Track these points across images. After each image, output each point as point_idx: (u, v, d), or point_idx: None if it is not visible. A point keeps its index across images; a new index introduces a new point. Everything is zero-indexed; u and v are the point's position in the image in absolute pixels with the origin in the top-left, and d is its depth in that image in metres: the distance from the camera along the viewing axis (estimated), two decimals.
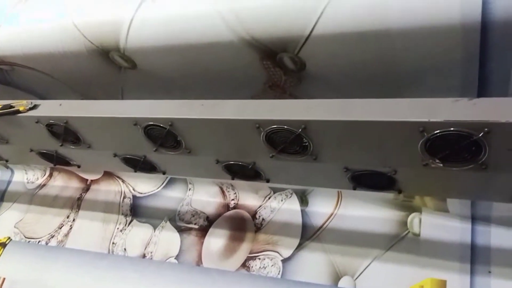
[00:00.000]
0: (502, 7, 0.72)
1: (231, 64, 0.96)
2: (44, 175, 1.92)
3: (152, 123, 0.98)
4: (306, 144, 0.90)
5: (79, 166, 1.33)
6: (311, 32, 0.84)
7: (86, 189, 1.81)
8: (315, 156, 0.92)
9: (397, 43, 0.81)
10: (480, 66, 0.83)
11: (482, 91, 0.86)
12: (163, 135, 1.00)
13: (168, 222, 1.60)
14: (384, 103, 0.82)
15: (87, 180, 1.82)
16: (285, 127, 0.87)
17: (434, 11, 0.75)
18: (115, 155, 1.17)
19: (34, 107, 1.11)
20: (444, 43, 0.80)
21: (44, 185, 1.91)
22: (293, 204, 1.44)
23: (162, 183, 1.66)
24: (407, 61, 0.85)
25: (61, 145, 1.18)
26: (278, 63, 0.94)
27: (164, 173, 1.20)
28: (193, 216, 1.59)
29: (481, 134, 0.75)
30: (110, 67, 1.09)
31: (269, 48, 0.90)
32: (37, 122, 1.11)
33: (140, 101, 1.01)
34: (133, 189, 1.72)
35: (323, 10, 0.81)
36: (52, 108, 1.09)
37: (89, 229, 1.73)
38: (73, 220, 1.79)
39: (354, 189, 1.02)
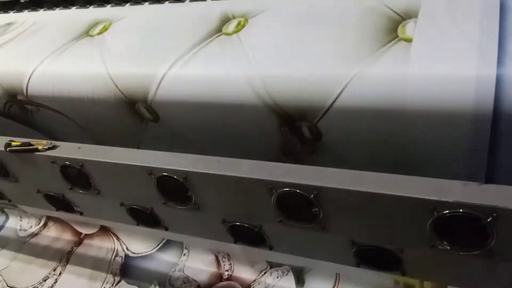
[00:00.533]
0: None
1: (250, 126, 1.01)
2: (39, 223, 1.89)
3: (166, 174, 1.00)
4: (316, 211, 0.91)
5: (81, 213, 1.33)
6: (332, 104, 0.89)
7: (79, 243, 1.77)
8: (323, 225, 0.93)
9: (411, 124, 0.86)
10: (489, 155, 0.87)
11: (490, 179, 0.89)
12: (175, 188, 1.01)
13: (157, 287, 1.54)
14: (397, 178, 0.85)
15: (81, 233, 1.79)
16: (298, 191, 0.89)
17: (449, 97, 0.80)
18: (122, 204, 1.17)
19: (53, 147, 1.14)
20: (455, 129, 0.84)
21: (36, 234, 1.87)
22: (289, 283, 1.40)
23: (157, 245, 1.63)
24: (420, 143, 0.89)
25: (71, 188, 1.20)
26: (296, 130, 0.98)
27: (166, 229, 1.19)
28: (184, 283, 1.54)
29: (490, 219, 0.77)
30: (133, 117, 1.13)
31: (289, 115, 0.95)
32: (52, 162, 1.14)
33: (157, 152, 1.04)
34: (127, 248, 1.68)
35: (346, 84, 0.86)
36: (71, 150, 1.12)
37: (74, 285, 1.67)
38: (60, 273, 1.73)
39: (358, 266, 1.01)
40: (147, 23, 1.22)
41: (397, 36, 0.88)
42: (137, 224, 1.23)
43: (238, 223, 1.05)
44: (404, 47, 0.86)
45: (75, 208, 1.31)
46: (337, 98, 0.89)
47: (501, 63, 0.77)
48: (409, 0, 0.96)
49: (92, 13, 1.36)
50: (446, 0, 0.92)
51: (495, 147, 0.85)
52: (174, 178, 0.99)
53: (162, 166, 0.99)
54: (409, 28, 0.89)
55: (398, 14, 0.94)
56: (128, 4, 1.34)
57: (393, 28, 0.90)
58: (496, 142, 0.84)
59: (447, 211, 0.80)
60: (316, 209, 0.91)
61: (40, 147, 1.14)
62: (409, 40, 0.86)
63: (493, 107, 0.78)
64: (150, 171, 1.01)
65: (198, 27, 1.10)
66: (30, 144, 1.16)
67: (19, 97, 1.27)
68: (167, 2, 1.29)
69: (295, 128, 0.99)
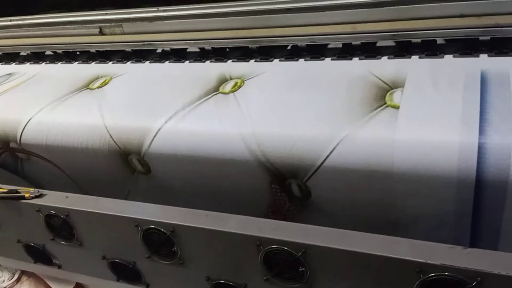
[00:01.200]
0: (494, 168, 0.81)
1: (241, 182, 1.02)
2: (12, 278, 1.81)
3: (153, 226, 0.99)
4: (303, 270, 0.91)
5: (60, 267, 1.28)
6: (321, 163, 0.92)
7: None
8: (310, 285, 0.92)
9: (398, 187, 0.89)
10: (473, 220, 0.89)
11: (473, 243, 0.91)
12: (161, 241, 1.00)
13: None
14: (384, 239, 0.86)
15: None
16: (285, 248, 0.89)
17: (434, 162, 0.83)
18: (103, 258, 1.14)
19: (40, 195, 1.13)
20: (440, 193, 0.87)
21: None
22: None
23: None
24: (406, 206, 0.91)
25: (52, 239, 1.17)
26: (286, 188, 1.00)
27: (147, 286, 1.16)
28: None
29: (474, 283, 0.78)
30: (125, 169, 1.14)
31: (280, 173, 0.97)
32: (37, 211, 1.12)
33: (145, 204, 1.04)
34: None
35: (336, 145, 0.90)
36: (58, 199, 1.11)
37: None
38: None
39: None
40: (146, 79, 1.27)
41: (385, 103, 0.94)
42: (118, 280, 1.19)
43: (222, 281, 1.02)
44: (391, 113, 0.91)
45: (54, 261, 1.27)
46: (326, 158, 0.92)
47: (483, 132, 0.82)
48: (396, 71, 1.03)
49: (94, 68, 1.42)
50: (430, 71, 0.99)
51: (478, 213, 0.88)
52: (160, 231, 0.98)
53: (149, 218, 0.98)
54: (396, 96, 0.94)
55: (386, 83, 1.00)
56: (129, 61, 1.40)
57: (382, 95, 0.96)
58: (479, 208, 0.87)
59: (433, 274, 0.80)
60: (303, 268, 0.90)
61: (26, 195, 1.13)
62: (396, 107, 0.91)
63: (476, 173, 0.82)
64: (137, 223, 1.00)
65: (196, 86, 1.15)
66: (17, 192, 1.14)
67: (11, 145, 1.28)
68: (167, 62, 1.35)
69: (285, 186, 1.01)
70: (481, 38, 1.03)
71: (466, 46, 1.05)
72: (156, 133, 1.05)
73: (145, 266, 1.11)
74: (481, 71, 0.96)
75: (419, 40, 1.09)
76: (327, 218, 1.02)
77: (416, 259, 0.81)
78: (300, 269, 0.91)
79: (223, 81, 1.16)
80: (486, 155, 0.80)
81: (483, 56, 1.02)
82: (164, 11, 1.28)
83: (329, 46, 1.19)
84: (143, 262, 1.09)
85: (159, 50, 1.40)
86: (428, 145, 0.84)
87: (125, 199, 1.21)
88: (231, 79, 1.16)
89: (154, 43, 1.35)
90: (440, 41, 1.09)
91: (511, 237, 0.89)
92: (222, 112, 1.03)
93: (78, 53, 1.54)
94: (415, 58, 1.08)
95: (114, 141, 1.10)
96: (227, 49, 1.31)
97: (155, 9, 1.30)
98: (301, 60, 1.19)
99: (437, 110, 0.88)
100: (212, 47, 1.30)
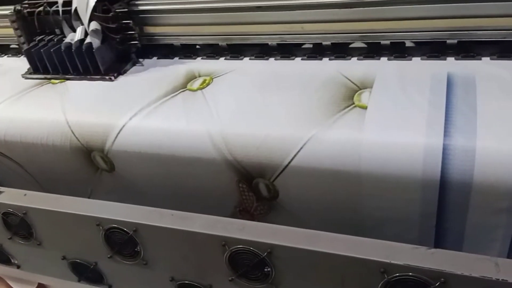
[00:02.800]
0: (458, 169, 0.82)
1: (208, 181, 1.00)
2: None
3: (116, 225, 0.96)
4: (268, 271, 0.89)
5: (19, 267, 1.23)
6: (289, 163, 0.91)
7: None
8: (275, 286, 0.91)
9: (364, 187, 0.89)
10: (437, 222, 0.90)
11: (438, 244, 0.92)
12: (124, 241, 0.97)
13: None
14: (349, 239, 0.85)
15: None
16: (251, 248, 0.88)
17: (399, 162, 0.83)
18: (63, 258, 1.10)
19: None
20: (405, 194, 0.87)
21: None
22: None
23: None
24: (372, 206, 0.92)
25: (10, 238, 1.12)
26: (253, 188, 0.98)
27: (110, 286, 1.12)
28: None
29: (438, 283, 0.78)
30: (87, 167, 1.11)
31: (247, 172, 0.95)
32: None
33: (107, 202, 1.01)
34: None
35: (304, 145, 0.89)
36: (16, 197, 1.06)
37: None
38: None
39: None
40: None
41: (353, 103, 0.94)
42: (79, 280, 1.15)
43: (187, 282, 1.00)
44: (359, 113, 0.91)
45: (12, 261, 1.22)
46: (294, 157, 0.91)
47: (447, 134, 0.82)
48: (365, 72, 1.03)
49: None
50: (398, 73, 1.00)
51: (443, 214, 0.89)
52: (123, 230, 0.95)
53: (111, 217, 0.95)
54: (364, 97, 0.95)
55: (355, 84, 1.00)
56: None
57: (350, 96, 0.96)
58: (443, 209, 0.88)
59: (397, 274, 0.80)
60: (269, 268, 0.89)
61: None
62: (364, 107, 0.91)
63: (440, 175, 0.82)
64: (98, 222, 0.97)
65: (164, 82, 1.12)
66: None
67: None
68: None
69: (252, 185, 1.00)
70: (448, 41, 1.04)
71: (434, 49, 1.06)
72: (120, 129, 1.02)
73: (107, 267, 1.08)
74: (447, 74, 0.97)
75: (388, 42, 1.09)
76: (294, 218, 1.01)
77: (380, 259, 0.81)
78: (266, 270, 0.90)
79: (191, 78, 1.14)
80: (451, 157, 0.81)
81: (450, 59, 1.04)
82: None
83: (300, 46, 1.19)
84: (105, 262, 1.06)
85: None
86: (394, 146, 0.84)
87: (88, 197, 1.17)
88: (200, 76, 1.14)
89: None
90: (408, 43, 1.10)
91: (475, 239, 0.90)
92: (189, 109, 1.01)
93: None
94: (384, 59, 1.09)
95: (76, 138, 1.06)
96: (197, 46, 1.29)
97: None
98: (272, 59, 1.19)
99: (403, 111, 0.88)
100: (181, 44, 1.28)
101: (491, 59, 1.01)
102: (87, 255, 1.08)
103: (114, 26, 1.20)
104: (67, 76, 1.25)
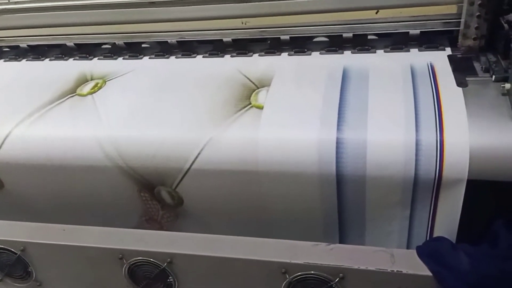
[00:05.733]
0: (351, 164, 0.82)
1: (106, 191, 0.94)
2: None
3: (1, 246, 0.88)
4: (171, 281, 0.86)
5: None
6: (189, 168, 0.87)
7: None
8: None
9: (264, 186, 0.87)
10: (339, 217, 0.90)
11: (343, 240, 0.93)
12: (12, 262, 0.89)
13: None
14: (252, 241, 0.84)
15: None
16: (151, 259, 0.83)
17: (295, 160, 0.83)
18: None
19: None
20: (304, 192, 0.86)
21: None
22: None
23: None
24: (274, 206, 0.90)
25: None
26: (156, 196, 0.94)
27: None
28: None
29: (337, 279, 0.79)
30: None
31: (146, 180, 0.91)
32: None
33: None
34: None
35: (202, 148, 0.86)
36: None
37: None
38: None
39: None
40: None
41: (250, 104, 0.91)
42: None
43: None
44: (255, 114, 0.89)
45: None
46: (193, 163, 0.87)
47: (340, 129, 0.83)
48: (264, 69, 1.02)
49: None
50: (297, 69, 0.99)
51: (343, 209, 0.89)
52: (10, 250, 0.87)
53: None
54: (261, 96, 0.93)
55: (253, 82, 0.98)
56: None
57: (247, 95, 0.94)
58: (343, 204, 0.88)
59: (299, 273, 0.80)
60: (171, 278, 0.86)
61: None
62: (260, 108, 0.89)
63: (336, 170, 0.83)
64: None
65: (52, 87, 1.04)
66: None
67: None
68: (24, 60, 1.21)
69: (154, 194, 0.95)
70: (344, 35, 1.05)
71: (332, 43, 1.07)
72: (3, 141, 0.93)
73: None
74: (343, 68, 0.97)
75: (287, 37, 1.08)
76: (201, 224, 0.98)
77: (281, 260, 0.80)
78: (169, 280, 0.86)
79: (82, 81, 1.06)
80: (344, 152, 0.81)
81: (347, 53, 1.05)
82: (15, 3, 1.14)
83: (200, 43, 1.15)
84: None
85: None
86: (289, 144, 0.83)
87: None
88: (92, 79, 1.07)
89: (5, 39, 1.21)
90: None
91: (374, 232, 0.92)
92: (76, 116, 0.94)
93: None
94: (284, 55, 1.08)
95: None
96: (94, 46, 1.21)
97: (6, 1, 1.15)
98: (172, 58, 1.14)
99: (298, 110, 0.87)
100: (74, 43, 1.19)
101: (385, 51, 1.03)
102: None
103: None
104: None
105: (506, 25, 0.89)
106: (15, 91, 1.07)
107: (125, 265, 0.85)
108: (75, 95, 1.01)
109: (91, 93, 1.01)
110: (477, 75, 0.90)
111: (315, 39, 1.10)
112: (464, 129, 0.78)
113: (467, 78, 0.88)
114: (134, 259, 0.84)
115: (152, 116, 0.93)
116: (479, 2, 0.91)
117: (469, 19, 0.94)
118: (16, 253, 0.87)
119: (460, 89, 0.85)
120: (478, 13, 0.92)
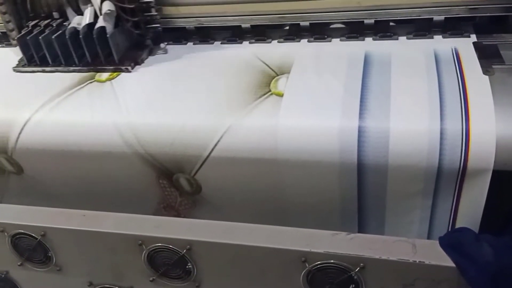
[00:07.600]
0: (373, 153, 0.81)
1: (124, 177, 0.95)
2: None
3: (22, 231, 0.89)
4: (190, 268, 0.86)
5: None
6: (208, 155, 0.87)
7: None
8: (198, 283, 0.88)
9: (284, 174, 0.86)
10: (359, 206, 0.89)
11: (361, 229, 0.92)
12: (32, 247, 0.90)
13: None
14: (270, 230, 0.83)
15: None
16: (170, 246, 0.83)
17: (316, 148, 0.82)
18: None
19: None
20: (324, 181, 0.86)
21: None
22: None
23: None
24: (293, 194, 0.90)
25: None
26: (174, 183, 0.94)
27: None
28: None
29: (357, 269, 0.78)
30: None
31: (165, 167, 0.90)
32: None
33: (12, 206, 0.93)
34: None
35: (222, 136, 0.85)
36: None
37: None
38: None
39: None
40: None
41: (269, 91, 0.90)
42: None
43: (107, 286, 0.95)
44: (275, 101, 0.88)
45: None
46: (212, 150, 0.87)
47: (362, 117, 0.81)
48: (284, 56, 1.00)
49: None
50: (316, 59, 0.97)
51: (363, 198, 0.88)
52: (30, 235, 0.88)
53: (16, 222, 0.88)
54: (281, 83, 0.91)
55: (272, 69, 0.96)
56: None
57: (267, 82, 0.93)
58: (363, 193, 0.87)
59: (318, 262, 0.79)
60: (190, 265, 0.86)
61: None
62: (280, 95, 0.88)
63: (357, 159, 0.81)
64: (2, 228, 0.89)
65: (71, 73, 1.04)
66: None
67: None
68: None
69: (173, 181, 0.95)
70: (366, 21, 1.03)
71: (352, 30, 1.05)
72: (23, 127, 0.94)
73: (19, 275, 1.00)
74: (365, 55, 0.96)
75: (307, 23, 1.06)
76: (220, 211, 0.98)
77: (301, 249, 0.79)
78: (187, 267, 0.86)
79: None
80: (366, 141, 0.80)
81: (368, 40, 1.03)
82: None
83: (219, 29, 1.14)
84: (16, 270, 0.98)
85: None
86: (309, 132, 0.82)
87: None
88: None
89: None
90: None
91: (395, 222, 0.91)
92: (95, 102, 0.94)
93: None
94: (304, 42, 1.06)
95: None
96: None
97: None
98: (190, 44, 1.13)
99: (319, 97, 0.86)
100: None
101: (407, 38, 1.01)
102: None
103: (132, 6, 1.01)
104: (71, 68, 1.07)
105: None
106: (31, 78, 1.07)
107: (144, 251, 0.85)
108: (94, 81, 1.01)
109: (109, 79, 1.00)
110: (504, 63, 0.87)
111: (335, 26, 1.08)
112: (490, 118, 0.76)
113: (493, 66, 0.86)
114: (154, 245, 0.84)
115: (171, 102, 0.92)
116: None
117: None
118: (36, 238, 0.88)
119: (486, 77, 0.83)
120: None
